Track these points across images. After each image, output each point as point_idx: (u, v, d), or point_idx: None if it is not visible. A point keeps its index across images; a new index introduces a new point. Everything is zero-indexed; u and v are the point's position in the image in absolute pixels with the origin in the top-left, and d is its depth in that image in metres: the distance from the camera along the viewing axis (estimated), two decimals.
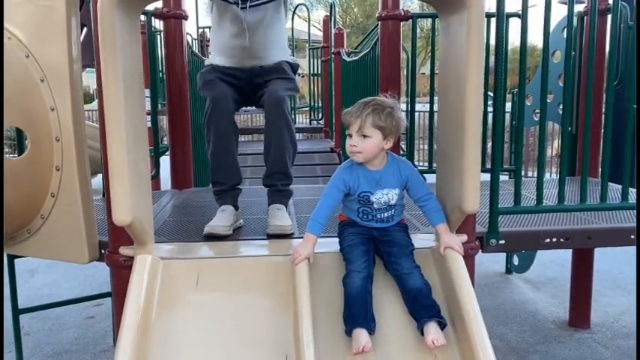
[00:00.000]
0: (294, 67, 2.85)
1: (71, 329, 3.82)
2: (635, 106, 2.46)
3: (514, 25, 2.70)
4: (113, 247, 2.14)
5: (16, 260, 2.85)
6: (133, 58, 1.94)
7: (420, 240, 2.25)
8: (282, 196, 2.62)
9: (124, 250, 2.09)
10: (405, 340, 1.87)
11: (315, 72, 8.05)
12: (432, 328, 1.82)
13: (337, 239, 2.15)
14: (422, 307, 1.88)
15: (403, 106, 3.83)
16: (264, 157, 2.62)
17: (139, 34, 2.04)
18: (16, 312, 3.25)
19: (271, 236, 2.42)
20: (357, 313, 1.86)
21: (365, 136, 1.96)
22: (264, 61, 2.73)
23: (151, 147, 3.71)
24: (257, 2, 2.69)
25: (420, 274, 1.96)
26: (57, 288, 4.62)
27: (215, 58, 2.80)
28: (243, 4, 2.65)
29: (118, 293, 2.16)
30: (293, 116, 7.93)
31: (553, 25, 3.20)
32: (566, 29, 2.58)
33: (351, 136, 1.99)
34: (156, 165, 3.62)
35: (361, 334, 1.81)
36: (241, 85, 2.72)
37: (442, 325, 1.84)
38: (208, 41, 6.29)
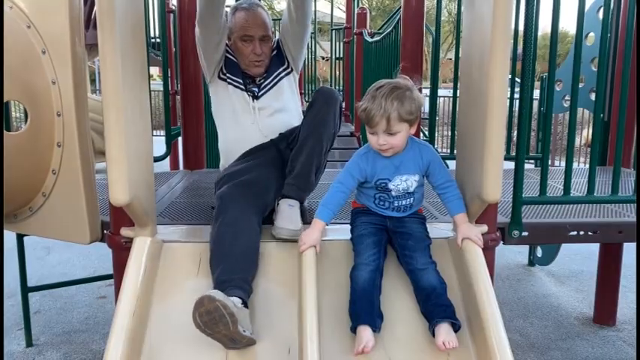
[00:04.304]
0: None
1: (82, 308, 3.80)
2: None
3: (544, 5, 2.53)
4: (114, 228, 2.06)
5: (33, 237, 2.79)
6: (135, 30, 1.83)
7: (437, 229, 2.13)
8: (300, 190, 2.20)
9: (125, 232, 2.00)
10: (416, 339, 1.75)
11: (338, 56, 7.90)
12: (443, 330, 1.69)
13: (348, 226, 2.04)
14: (435, 306, 1.75)
15: (426, 91, 3.72)
16: (301, 138, 2.24)
17: (142, 6, 1.92)
18: (25, 290, 3.24)
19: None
20: (362, 309, 1.74)
21: (392, 134, 1.81)
22: (281, 130, 2.43)
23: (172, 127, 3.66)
24: (268, 85, 2.49)
25: (436, 270, 1.84)
26: (71, 266, 4.62)
27: (226, 161, 2.49)
28: (253, 90, 2.46)
29: (118, 276, 2.07)
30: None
31: (587, 5, 3.02)
32: (602, 9, 2.40)
33: (374, 133, 1.84)
34: (167, 145, 3.54)
35: (364, 333, 1.69)
36: (263, 159, 2.33)
37: (456, 327, 1.71)
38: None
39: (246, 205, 2.05)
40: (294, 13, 2.41)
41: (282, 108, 2.49)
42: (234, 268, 1.85)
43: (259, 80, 2.49)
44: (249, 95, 2.46)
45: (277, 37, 2.61)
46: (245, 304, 1.77)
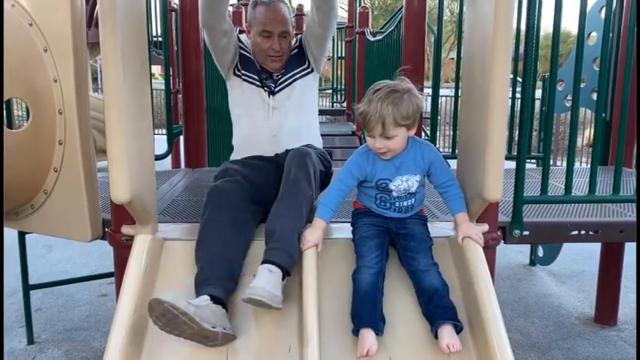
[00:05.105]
0: (326, 156, 2.44)
1: (83, 306, 3.80)
2: None
3: (546, 5, 2.52)
4: (116, 226, 2.07)
5: (34, 235, 2.79)
6: (136, 29, 1.83)
7: (438, 228, 2.13)
8: (283, 254, 1.84)
9: (126, 230, 2.01)
10: (417, 342, 1.75)
11: (340, 55, 7.91)
12: (447, 332, 1.68)
13: (349, 224, 2.04)
14: (437, 308, 1.74)
15: (428, 90, 3.72)
16: (277, 203, 2.02)
17: (144, 4, 1.93)
18: (27, 288, 3.24)
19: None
20: (365, 312, 1.73)
21: (389, 137, 1.80)
22: (291, 146, 2.33)
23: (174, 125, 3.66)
24: (285, 82, 2.43)
25: (438, 272, 1.83)
26: (72, 264, 4.63)
27: (234, 154, 2.48)
28: (269, 85, 2.40)
29: (120, 273, 2.08)
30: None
31: (589, 5, 3.01)
32: (604, 9, 2.39)
33: (372, 136, 1.83)
34: (169, 144, 3.54)
35: (367, 336, 1.68)
36: (262, 176, 2.26)
37: (458, 329, 1.70)
38: (231, 19, 6.20)
39: (235, 201, 2.03)
40: (317, 16, 2.36)
41: (295, 108, 2.43)
42: (212, 266, 1.85)
43: (277, 76, 2.45)
44: (265, 91, 2.42)
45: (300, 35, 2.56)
46: (218, 300, 1.74)
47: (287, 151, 2.32)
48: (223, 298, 1.78)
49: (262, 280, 1.74)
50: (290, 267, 1.84)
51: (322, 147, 2.54)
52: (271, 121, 2.40)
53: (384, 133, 1.79)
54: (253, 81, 2.44)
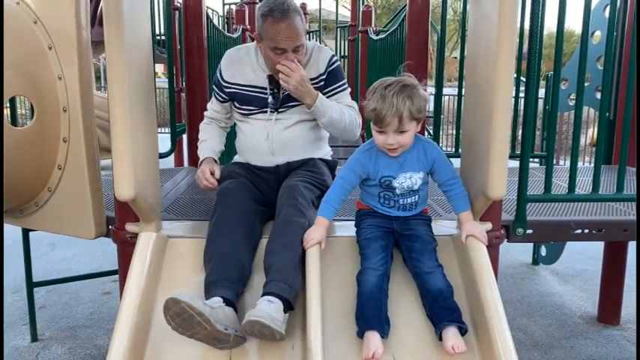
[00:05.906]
0: (331, 165, 2.41)
1: (87, 304, 3.82)
2: None
3: (550, 4, 2.52)
4: (120, 224, 2.07)
5: (38, 233, 2.80)
6: (141, 27, 1.84)
7: (441, 227, 2.13)
8: (284, 284, 1.78)
9: (130, 227, 2.02)
10: (421, 343, 1.75)
11: (343, 54, 7.91)
12: (451, 334, 1.68)
13: (351, 222, 2.04)
14: (442, 309, 1.73)
15: (431, 89, 3.72)
16: (266, 251, 1.93)
17: (148, 3, 1.93)
18: (31, 285, 3.25)
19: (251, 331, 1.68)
20: (370, 314, 1.72)
21: (402, 132, 1.80)
22: (292, 158, 2.29)
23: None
24: (295, 103, 2.23)
25: (443, 274, 1.82)
26: (76, 262, 4.64)
27: (236, 157, 2.43)
28: (275, 96, 2.23)
29: (123, 270, 2.08)
30: None
31: (593, 4, 3.01)
32: (608, 8, 2.39)
33: (382, 132, 1.81)
34: (172, 142, 3.55)
35: (372, 338, 1.67)
36: (264, 184, 2.24)
37: (462, 331, 1.70)
38: (234, 18, 6.21)
39: (244, 201, 2.04)
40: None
41: (299, 123, 2.28)
42: (223, 267, 1.85)
43: (285, 92, 2.21)
44: (265, 111, 2.27)
45: (332, 61, 2.29)
46: (229, 302, 1.74)
47: (288, 163, 2.29)
48: (234, 301, 1.78)
49: (262, 306, 1.70)
50: (291, 298, 1.77)
51: (330, 155, 2.47)
52: (272, 137, 2.26)
53: (400, 128, 1.78)
54: (250, 112, 2.29)
